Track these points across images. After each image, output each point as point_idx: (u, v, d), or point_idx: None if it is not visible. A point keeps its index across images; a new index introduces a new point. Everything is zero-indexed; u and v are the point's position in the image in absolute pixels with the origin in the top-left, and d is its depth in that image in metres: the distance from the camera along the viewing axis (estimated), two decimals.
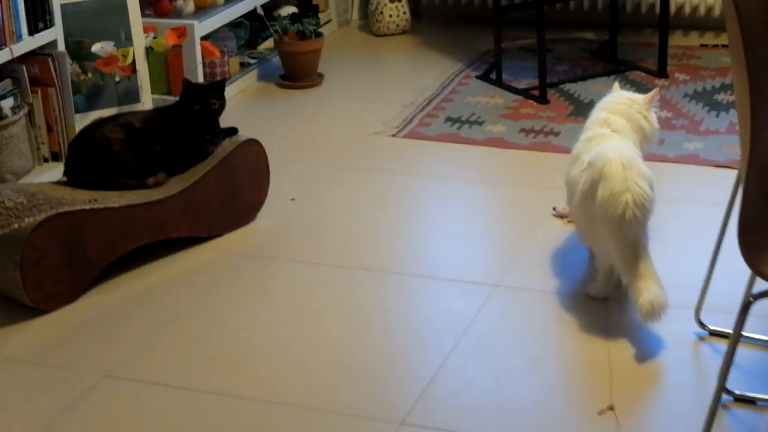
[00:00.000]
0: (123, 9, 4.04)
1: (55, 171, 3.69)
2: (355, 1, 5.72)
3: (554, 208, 3.48)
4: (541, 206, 3.55)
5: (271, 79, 4.86)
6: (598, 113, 3.08)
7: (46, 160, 3.83)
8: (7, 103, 3.57)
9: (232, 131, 3.44)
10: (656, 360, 2.71)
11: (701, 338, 2.78)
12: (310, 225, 3.51)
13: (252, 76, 4.86)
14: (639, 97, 3.11)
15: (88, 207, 3.02)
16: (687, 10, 5.15)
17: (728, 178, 3.37)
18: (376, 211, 3.60)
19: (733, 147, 3.89)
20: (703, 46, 5.15)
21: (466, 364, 2.72)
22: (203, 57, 4.35)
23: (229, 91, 4.46)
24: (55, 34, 3.73)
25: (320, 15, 5.19)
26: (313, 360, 2.78)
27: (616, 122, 3.01)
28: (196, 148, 3.33)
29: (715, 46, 5.12)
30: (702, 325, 2.79)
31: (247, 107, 4.57)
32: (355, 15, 5.74)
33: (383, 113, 4.38)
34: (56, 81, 3.73)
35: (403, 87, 4.71)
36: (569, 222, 3.36)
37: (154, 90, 4.34)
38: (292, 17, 4.81)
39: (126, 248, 3.15)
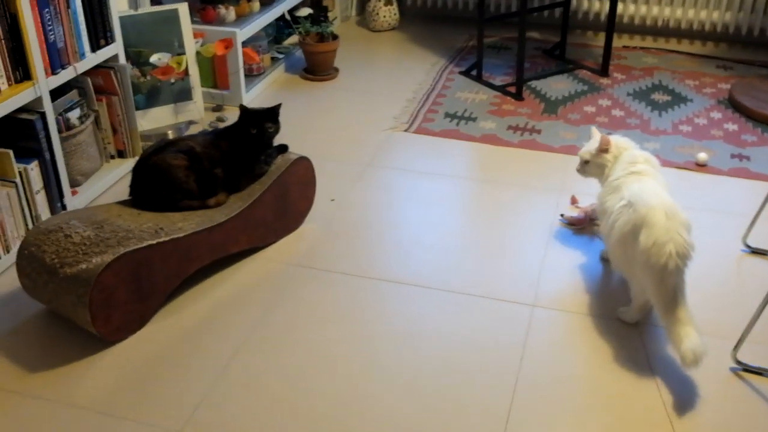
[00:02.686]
0: (176, 20, 3.95)
1: (122, 168, 3.65)
2: (354, 0, 5.69)
3: (562, 215, 3.19)
4: (550, 211, 3.27)
5: (295, 71, 4.72)
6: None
7: (112, 157, 3.71)
8: (74, 114, 3.41)
9: (283, 149, 3.20)
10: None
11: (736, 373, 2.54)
12: (351, 230, 3.25)
13: (281, 68, 4.77)
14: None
15: (155, 241, 2.71)
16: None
17: (694, 181, 3.47)
18: (408, 213, 3.34)
19: (684, 148, 3.72)
20: (625, 47, 5.04)
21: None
22: (245, 62, 4.33)
23: (265, 83, 4.54)
24: (116, 49, 3.53)
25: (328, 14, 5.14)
26: (373, 395, 2.46)
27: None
28: (253, 169, 3.11)
29: (635, 48, 5.04)
30: (739, 362, 2.59)
31: (279, 98, 4.41)
32: (353, 11, 5.77)
33: (391, 107, 4.21)
34: (119, 90, 3.56)
35: (402, 80, 4.55)
36: (581, 230, 3.11)
37: (203, 85, 4.28)
38: (311, 19, 4.76)
39: (189, 271, 2.87)
